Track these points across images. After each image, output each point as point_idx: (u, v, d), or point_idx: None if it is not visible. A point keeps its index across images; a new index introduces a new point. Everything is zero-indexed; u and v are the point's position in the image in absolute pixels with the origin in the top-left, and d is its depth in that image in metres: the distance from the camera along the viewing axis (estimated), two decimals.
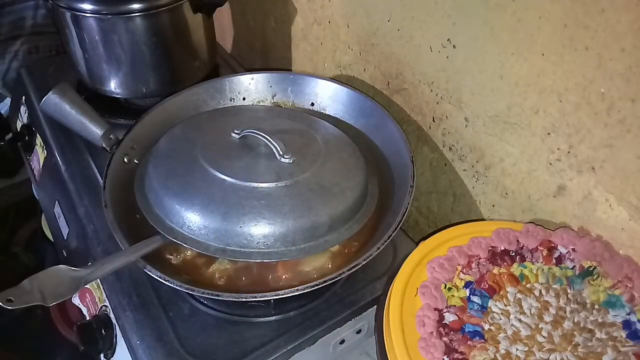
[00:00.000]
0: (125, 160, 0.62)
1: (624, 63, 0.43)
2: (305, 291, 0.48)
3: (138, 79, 0.81)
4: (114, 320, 0.59)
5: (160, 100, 0.69)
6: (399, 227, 0.52)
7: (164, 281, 0.48)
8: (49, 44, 1.04)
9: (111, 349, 0.60)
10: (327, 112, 0.73)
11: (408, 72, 0.68)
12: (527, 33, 0.50)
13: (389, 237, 0.51)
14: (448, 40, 0.59)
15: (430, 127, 0.68)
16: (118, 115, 0.82)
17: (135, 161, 0.63)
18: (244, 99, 0.74)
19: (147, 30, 0.76)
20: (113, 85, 0.81)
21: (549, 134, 0.52)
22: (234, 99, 0.74)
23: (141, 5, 0.73)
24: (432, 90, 0.65)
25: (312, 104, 0.73)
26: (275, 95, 0.74)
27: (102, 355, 0.62)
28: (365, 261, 0.50)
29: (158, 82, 0.81)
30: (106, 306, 0.61)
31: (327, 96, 0.72)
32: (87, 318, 0.67)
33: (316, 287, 0.48)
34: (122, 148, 0.62)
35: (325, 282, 0.48)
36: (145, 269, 0.49)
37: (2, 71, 1.01)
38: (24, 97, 0.93)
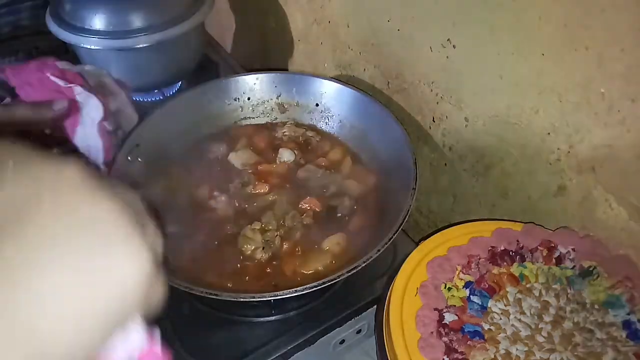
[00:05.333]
0: (129, 158, 0.62)
1: (624, 63, 0.43)
2: (304, 292, 0.48)
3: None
4: None
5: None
6: (399, 229, 0.52)
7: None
8: (49, 44, 1.04)
9: None
10: (331, 113, 0.73)
11: (408, 72, 0.68)
12: (527, 33, 0.50)
13: (389, 240, 0.51)
14: (448, 40, 0.59)
15: (430, 127, 0.68)
16: None
17: (139, 159, 0.63)
18: (248, 98, 0.74)
19: None
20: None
21: (549, 134, 0.52)
22: (238, 98, 0.74)
23: None
24: (432, 90, 0.65)
25: (317, 105, 0.73)
26: (279, 96, 0.74)
27: None
28: (365, 263, 0.50)
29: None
30: None
31: (332, 97, 0.72)
32: None
33: (315, 289, 0.48)
34: (126, 147, 0.62)
35: (323, 283, 0.48)
36: None
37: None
38: None
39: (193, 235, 0.59)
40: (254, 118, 0.75)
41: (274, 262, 0.57)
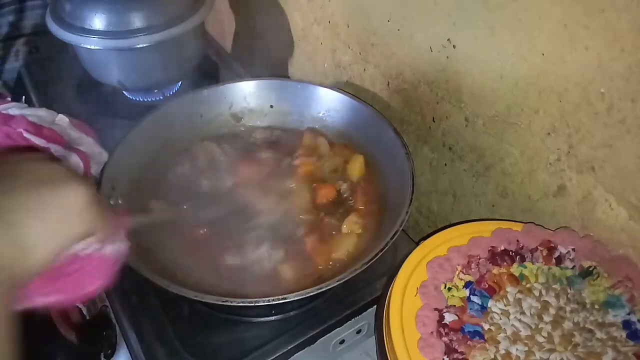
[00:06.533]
0: (112, 202, 0.58)
1: (624, 63, 0.43)
2: (301, 297, 0.48)
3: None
4: (114, 320, 0.59)
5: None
6: (398, 232, 0.52)
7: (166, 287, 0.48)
8: (49, 44, 1.04)
9: (111, 349, 0.60)
10: (289, 111, 0.73)
11: (408, 72, 0.68)
12: (527, 33, 0.50)
13: (387, 243, 0.51)
14: (448, 40, 0.59)
15: (430, 127, 0.68)
16: (119, 115, 0.82)
17: (120, 201, 0.59)
18: (201, 116, 0.72)
19: None
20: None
21: (549, 134, 0.52)
22: (190, 117, 0.72)
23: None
24: (432, 90, 0.65)
25: (272, 106, 0.73)
26: (231, 106, 0.73)
27: (102, 355, 0.62)
28: (364, 267, 0.49)
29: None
30: (106, 306, 0.61)
31: (285, 95, 0.73)
32: (87, 318, 0.67)
33: (311, 294, 0.48)
34: (104, 190, 0.57)
35: (320, 288, 0.48)
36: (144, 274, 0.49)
37: (2, 71, 1.01)
38: (24, 97, 0.93)
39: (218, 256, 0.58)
40: (209, 133, 0.72)
41: (304, 258, 0.57)
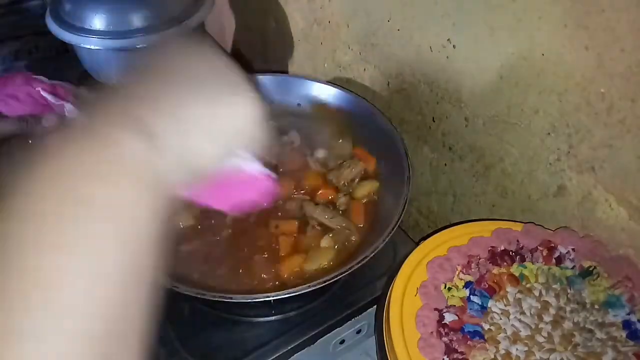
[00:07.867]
0: None
1: (624, 63, 0.43)
2: (303, 292, 0.48)
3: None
4: None
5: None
6: (394, 230, 0.52)
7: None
8: (49, 44, 1.04)
9: None
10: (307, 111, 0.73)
11: (408, 72, 0.68)
12: (527, 33, 0.50)
13: (383, 241, 0.51)
14: (448, 40, 0.59)
15: (430, 127, 0.68)
16: None
17: None
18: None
19: None
20: None
21: (549, 134, 0.52)
22: None
23: None
24: (432, 90, 0.65)
25: (299, 105, 0.74)
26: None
27: None
28: (360, 264, 0.50)
29: None
30: None
31: (314, 96, 0.73)
32: None
33: (314, 288, 0.48)
34: None
35: (322, 283, 0.48)
36: None
37: (2, 71, 1.01)
38: None
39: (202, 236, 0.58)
40: None
41: (276, 263, 0.56)
